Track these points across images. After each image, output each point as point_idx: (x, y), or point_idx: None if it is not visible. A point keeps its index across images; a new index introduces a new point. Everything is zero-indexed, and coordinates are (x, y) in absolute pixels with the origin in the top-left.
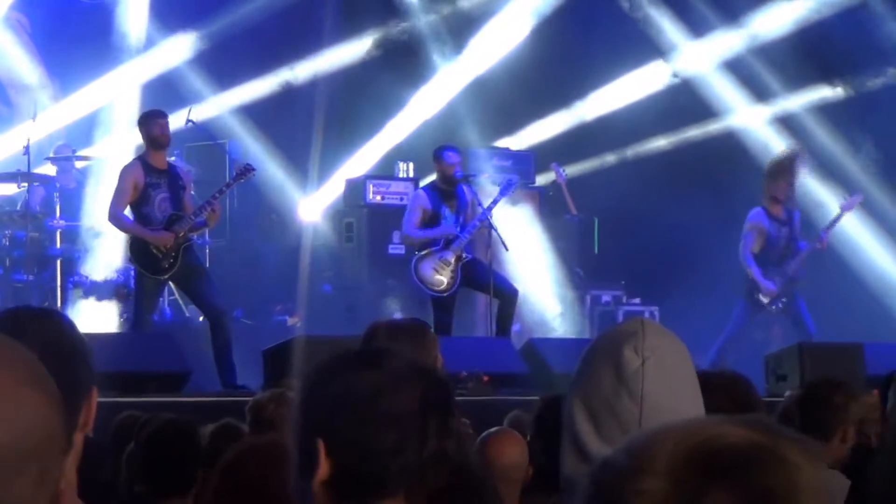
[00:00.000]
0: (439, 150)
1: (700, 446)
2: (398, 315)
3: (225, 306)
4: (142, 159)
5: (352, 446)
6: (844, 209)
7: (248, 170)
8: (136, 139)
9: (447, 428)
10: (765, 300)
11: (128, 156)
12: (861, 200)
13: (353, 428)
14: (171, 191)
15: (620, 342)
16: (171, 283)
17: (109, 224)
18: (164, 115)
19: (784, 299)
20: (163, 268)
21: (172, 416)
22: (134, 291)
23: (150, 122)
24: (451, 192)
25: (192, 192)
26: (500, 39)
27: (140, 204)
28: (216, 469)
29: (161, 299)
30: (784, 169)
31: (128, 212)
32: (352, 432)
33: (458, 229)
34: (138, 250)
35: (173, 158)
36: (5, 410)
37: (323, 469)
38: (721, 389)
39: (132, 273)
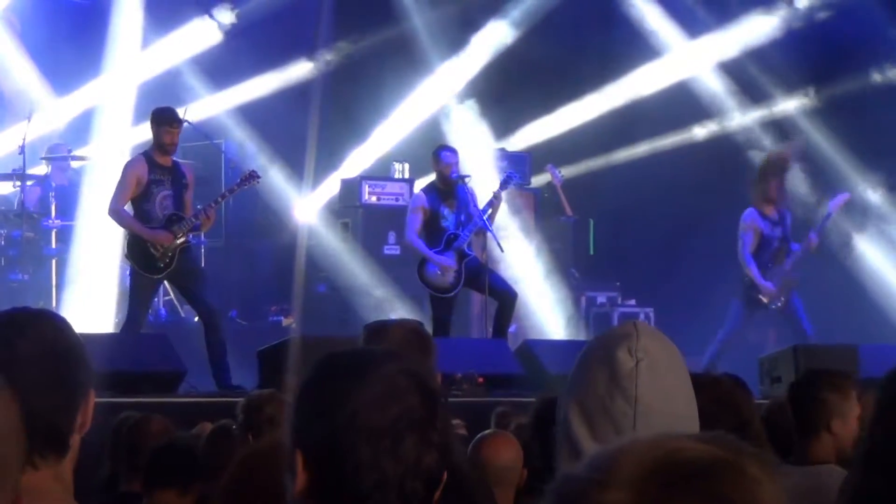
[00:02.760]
0: (437, 150)
1: (662, 459)
2: (393, 315)
3: (219, 307)
4: (147, 155)
5: (325, 460)
6: (832, 208)
7: (252, 177)
8: (132, 139)
9: (428, 441)
10: (765, 300)
11: (124, 155)
12: (849, 199)
13: (328, 442)
14: (174, 189)
15: (614, 344)
16: (166, 282)
17: (108, 218)
18: (177, 124)
19: (783, 298)
20: (158, 267)
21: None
22: (129, 289)
23: (162, 129)
24: (449, 191)
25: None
26: (496, 41)
27: (141, 200)
28: (225, 475)
29: (156, 299)
30: (775, 168)
31: (128, 208)
32: (326, 447)
33: (459, 228)
34: (135, 248)
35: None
36: None
37: (300, 481)
38: (705, 391)
39: (128, 271)
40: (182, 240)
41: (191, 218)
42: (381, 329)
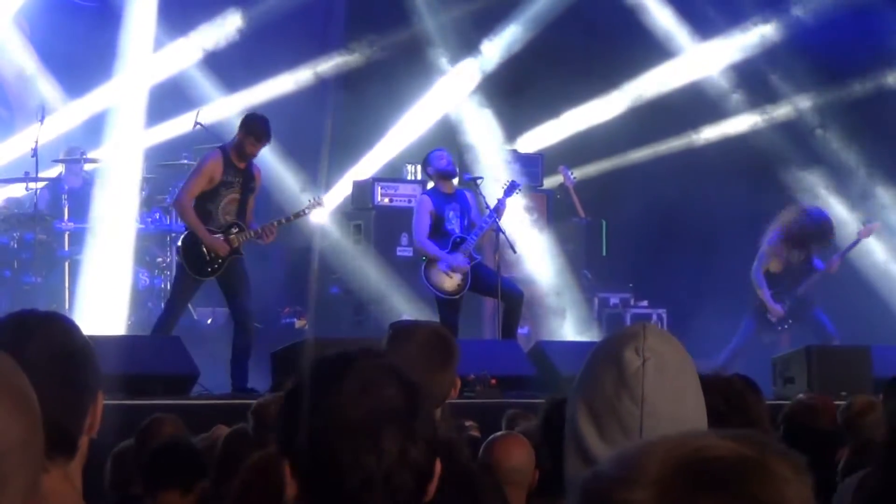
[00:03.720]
0: (426, 156)
1: (689, 458)
2: (406, 317)
3: (254, 313)
4: (225, 152)
5: (310, 465)
6: (861, 236)
7: (317, 203)
8: (144, 141)
9: (411, 433)
10: (773, 320)
11: (136, 158)
12: (878, 227)
13: (309, 447)
14: (242, 193)
15: (622, 344)
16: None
17: (173, 207)
18: (266, 140)
19: (790, 321)
20: (206, 270)
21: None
22: (171, 287)
23: (248, 139)
24: (453, 195)
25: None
26: (509, 43)
27: (207, 199)
28: (238, 476)
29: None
30: (808, 237)
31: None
32: (308, 451)
33: (465, 232)
34: (189, 246)
35: (184, 162)
36: None
37: (290, 489)
38: (715, 391)
39: (141, 274)
40: (236, 250)
41: (249, 231)
42: (406, 330)
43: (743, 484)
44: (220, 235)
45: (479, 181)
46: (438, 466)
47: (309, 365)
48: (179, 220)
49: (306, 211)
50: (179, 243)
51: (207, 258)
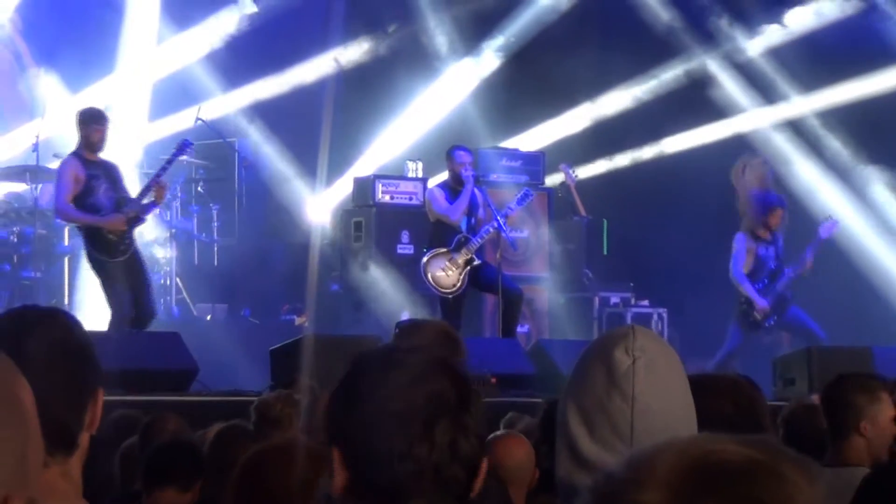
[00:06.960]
0: (450, 150)
1: (699, 461)
2: (406, 315)
3: (156, 311)
4: (78, 154)
5: (360, 454)
6: (823, 234)
7: (184, 146)
8: (147, 136)
9: (462, 426)
10: (758, 317)
11: (137, 153)
12: (837, 225)
13: (361, 436)
14: (109, 181)
15: (611, 344)
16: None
17: (58, 220)
18: (103, 121)
19: (775, 317)
20: (120, 250)
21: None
22: (101, 283)
23: (90, 127)
24: (462, 191)
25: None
26: (511, 40)
27: (86, 195)
28: (234, 473)
29: (168, 297)
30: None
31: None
32: (359, 440)
33: (471, 231)
34: (94, 238)
35: (184, 158)
36: None
37: (339, 478)
38: (723, 392)
39: (93, 264)
40: (133, 218)
41: (136, 198)
42: (414, 328)
43: (753, 488)
44: (112, 214)
45: (481, 179)
46: (485, 464)
47: (354, 359)
48: (69, 225)
49: (176, 156)
50: (85, 243)
51: (114, 239)
